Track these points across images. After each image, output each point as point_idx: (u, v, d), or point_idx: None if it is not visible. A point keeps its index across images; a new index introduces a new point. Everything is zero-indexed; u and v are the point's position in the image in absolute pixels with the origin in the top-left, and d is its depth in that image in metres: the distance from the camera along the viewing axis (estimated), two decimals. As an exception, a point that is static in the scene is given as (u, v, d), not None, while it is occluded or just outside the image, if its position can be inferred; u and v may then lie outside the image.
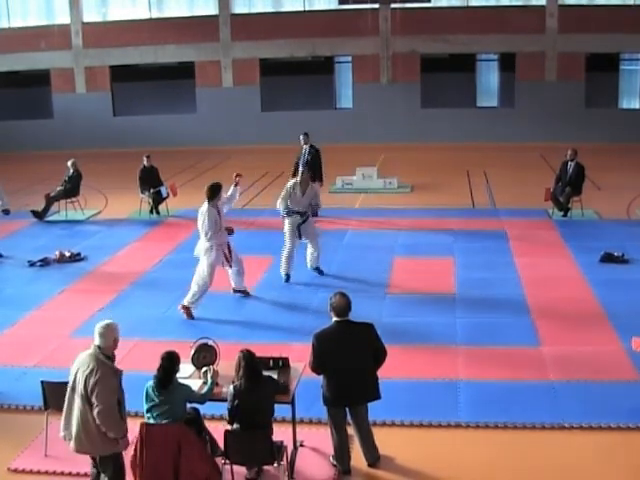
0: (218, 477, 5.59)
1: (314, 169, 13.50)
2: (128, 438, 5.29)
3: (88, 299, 10.18)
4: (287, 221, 10.66)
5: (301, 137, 14.45)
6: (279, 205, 10.68)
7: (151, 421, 5.51)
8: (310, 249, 10.90)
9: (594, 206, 14.32)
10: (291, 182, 10.83)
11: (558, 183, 14.09)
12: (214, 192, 9.30)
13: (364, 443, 6.09)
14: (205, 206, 9.27)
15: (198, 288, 9.38)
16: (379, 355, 5.94)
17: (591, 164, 14.72)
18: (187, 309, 9.42)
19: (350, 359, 5.80)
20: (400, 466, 6.10)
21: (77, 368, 5.14)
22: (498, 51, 24.80)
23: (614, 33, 22.44)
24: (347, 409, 6.02)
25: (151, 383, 5.57)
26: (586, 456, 6.12)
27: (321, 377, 5.96)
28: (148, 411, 5.55)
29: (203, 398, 5.82)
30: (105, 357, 5.10)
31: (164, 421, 5.46)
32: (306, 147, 14.31)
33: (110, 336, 5.14)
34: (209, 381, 5.96)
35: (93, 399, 4.97)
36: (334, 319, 5.88)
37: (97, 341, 5.14)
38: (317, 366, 5.85)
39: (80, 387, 5.04)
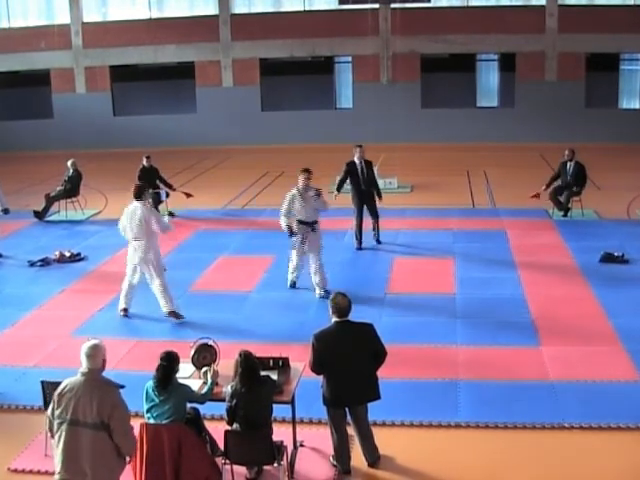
0: (218, 477, 5.59)
1: (374, 185, 12.28)
2: None
3: (88, 299, 10.18)
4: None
5: (357, 150, 12.20)
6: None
7: (151, 421, 5.51)
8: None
9: (594, 206, 14.31)
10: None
11: (551, 184, 13.97)
12: (141, 192, 9.28)
13: (364, 443, 6.09)
14: (137, 205, 9.19)
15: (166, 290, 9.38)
16: (379, 355, 5.93)
17: (591, 164, 14.70)
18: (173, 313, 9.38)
19: (350, 359, 5.79)
20: (400, 466, 6.10)
21: (73, 399, 4.74)
22: (498, 51, 24.79)
23: (614, 33, 22.44)
24: (347, 409, 6.02)
25: (151, 383, 5.57)
26: (586, 456, 6.12)
27: (321, 377, 5.96)
28: (148, 411, 5.55)
29: (203, 398, 5.82)
30: (104, 379, 4.83)
31: (164, 421, 5.46)
32: (362, 162, 12.12)
33: (99, 356, 4.81)
34: (209, 381, 5.96)
35: (113, 424, 4.69)
36: (334, 319, 5.88)
37: (87, 364, 4.78)
38: (317, 366, 5.85)
39: (91, 417, 4.68)
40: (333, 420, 5.99)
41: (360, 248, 12.20)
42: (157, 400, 5.50)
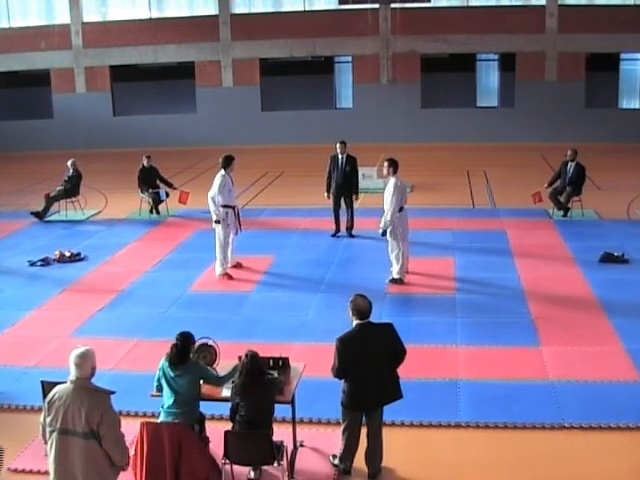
0: (218, 477, 5.59)
1: (353, 181, 12.79)
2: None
3: (88, 299, 10.18)
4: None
5: (337, 145, 12.84)
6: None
7: (163, 408, 5.56)
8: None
9: (594, 206, 14.31)
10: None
11: (553, 183, 14.04)
12: (228, 161, 10.89)
13: (369, 452, 5.97)
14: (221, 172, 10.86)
15: (220, 252, 10.92)
16: (399, 355, 5.86)
17: (591, 164, 14.70)
18: (225, 275, 10.95)
19: (372, 360, 5.70)
20: (400, 466, 6.09)
21: (62, 407, 4.67)
22: (498, 51, 24.80)
23: (614, 33, 22.45)
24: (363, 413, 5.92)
25: (166, 361, 5.68)
26: (586, 456, 6.12)
27: (334, 380, 5.84)
28: (163, 384, 5.64)
29: (219, 381, 5.86)
30: (93, 386, 4.74)
31: (180, 392, 5.56)
32: (342, 157, 12.79)
33: (88, 364, 4.71)
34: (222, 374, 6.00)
35: (102, 431, 4.63)
36: (356, 322, 5.78)
37: (75, 372, 4.69)
38: (340, 370, 5.73)
39: (80, 425, 4.62)
40: (350, 421, 5.88)
41: (334, 235, 12.98)
42: (173, 374, 5.59)
